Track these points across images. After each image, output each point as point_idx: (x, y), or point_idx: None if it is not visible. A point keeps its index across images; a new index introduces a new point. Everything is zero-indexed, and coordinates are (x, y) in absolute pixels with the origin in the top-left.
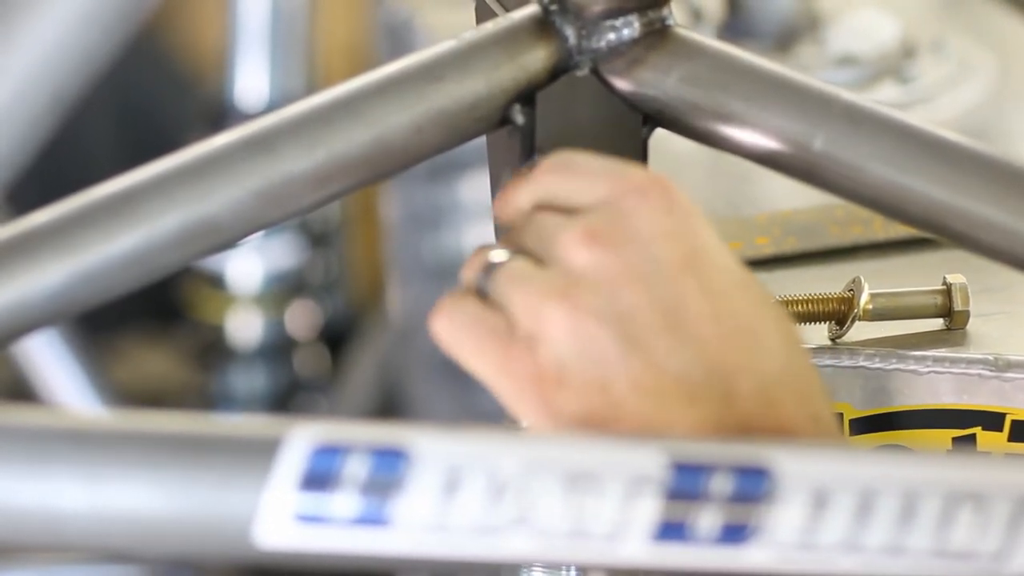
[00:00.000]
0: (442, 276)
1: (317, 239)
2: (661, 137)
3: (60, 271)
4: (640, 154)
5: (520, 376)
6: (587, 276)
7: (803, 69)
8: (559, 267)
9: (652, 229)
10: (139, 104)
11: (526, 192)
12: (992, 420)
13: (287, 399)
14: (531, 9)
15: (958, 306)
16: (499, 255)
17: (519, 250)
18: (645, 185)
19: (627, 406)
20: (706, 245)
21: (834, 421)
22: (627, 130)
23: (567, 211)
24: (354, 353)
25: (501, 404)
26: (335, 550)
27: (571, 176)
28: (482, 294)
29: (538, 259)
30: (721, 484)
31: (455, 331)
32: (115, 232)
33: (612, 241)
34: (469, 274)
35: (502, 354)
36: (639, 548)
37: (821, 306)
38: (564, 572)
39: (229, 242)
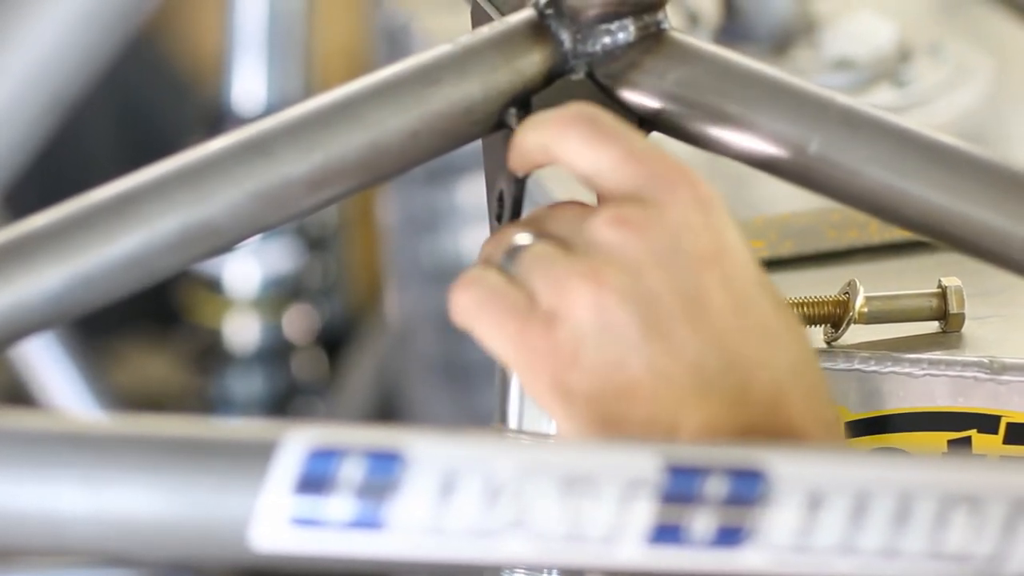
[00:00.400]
0: (440, 280)
1: (315, 243)
2: (657, 141)
3: (58, 274)
4: None
5: (535, 352)
6: (613, 257)
7: (799, 73)
8: (586, 248)
9: (680, 221)
10: (138, 107)
11: (548, 136)
12: (987, 423)
13: (285, 403)
14: (527, 13)
15: (953, 309)
16: (524, 238)
17: (543, 235)
18: (675, 176)
19: (640, 390)
20: (730, 242)
21: (840, 425)
22: None
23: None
24: (352, 357)
25: (494, 403)
26: (330, 553)
27: (597, 143)
28: (504, 273)
29: (563, 245)
30: (716, 487)
31: (474, 305)
32: (113, 235)
33: (640, 227)
34: (492, 252)
35: (519, 329)
36: (634, 551)
37: (817, 309)
38: (545, 574)
39: (227, 245)
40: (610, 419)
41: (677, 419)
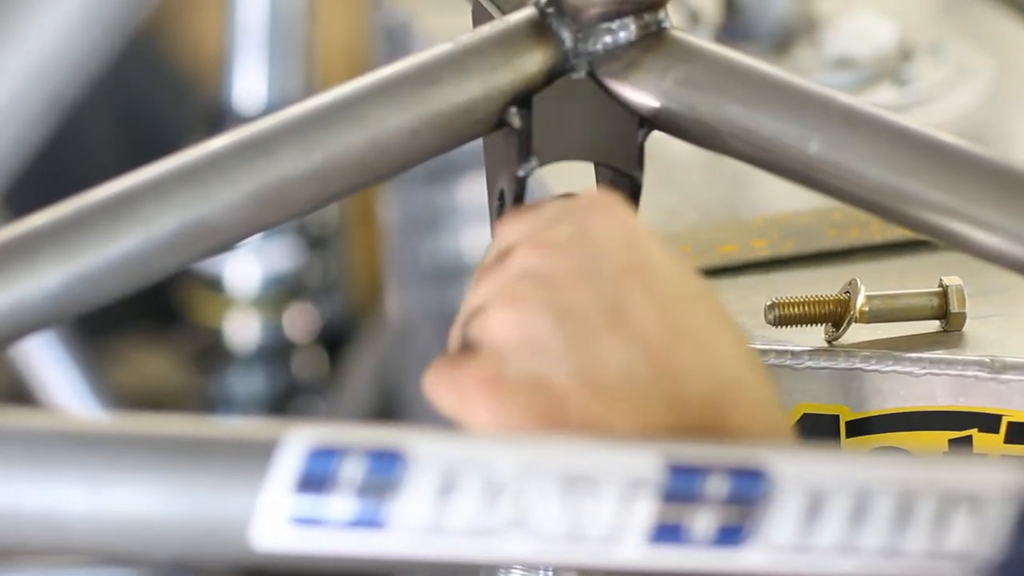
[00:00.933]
0: (440, 279)
1: (315, 242)
2: (658, 140)
3: (59, 273)
4: (636, 157)
5: (462, 383)
6: (532, 276)
7: (800, 72)
8: (511, 275)
9: (600, 239)
10: (138, 107)
11: (494, 254)
12: (988, 422)
13: (285, 402)
14: (527, 12)
15: (954, 308)
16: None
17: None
18: (595, 200)
19: (570, 403)
20: (653, 257)
21: (788, 432)
22: (623, 133)
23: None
24: (352, 356)
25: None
26: (331, 552)
27: (525, 217)
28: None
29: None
30: (717, 486)
31: (432, 388)
32: (114, 234)
33: (560, 246)
34: (455, 333)
35: (451, 373)
36: (635, 550)
37: (818, 308)
38: (542, 572)
39: (227, 244)
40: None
41: (612, 427)
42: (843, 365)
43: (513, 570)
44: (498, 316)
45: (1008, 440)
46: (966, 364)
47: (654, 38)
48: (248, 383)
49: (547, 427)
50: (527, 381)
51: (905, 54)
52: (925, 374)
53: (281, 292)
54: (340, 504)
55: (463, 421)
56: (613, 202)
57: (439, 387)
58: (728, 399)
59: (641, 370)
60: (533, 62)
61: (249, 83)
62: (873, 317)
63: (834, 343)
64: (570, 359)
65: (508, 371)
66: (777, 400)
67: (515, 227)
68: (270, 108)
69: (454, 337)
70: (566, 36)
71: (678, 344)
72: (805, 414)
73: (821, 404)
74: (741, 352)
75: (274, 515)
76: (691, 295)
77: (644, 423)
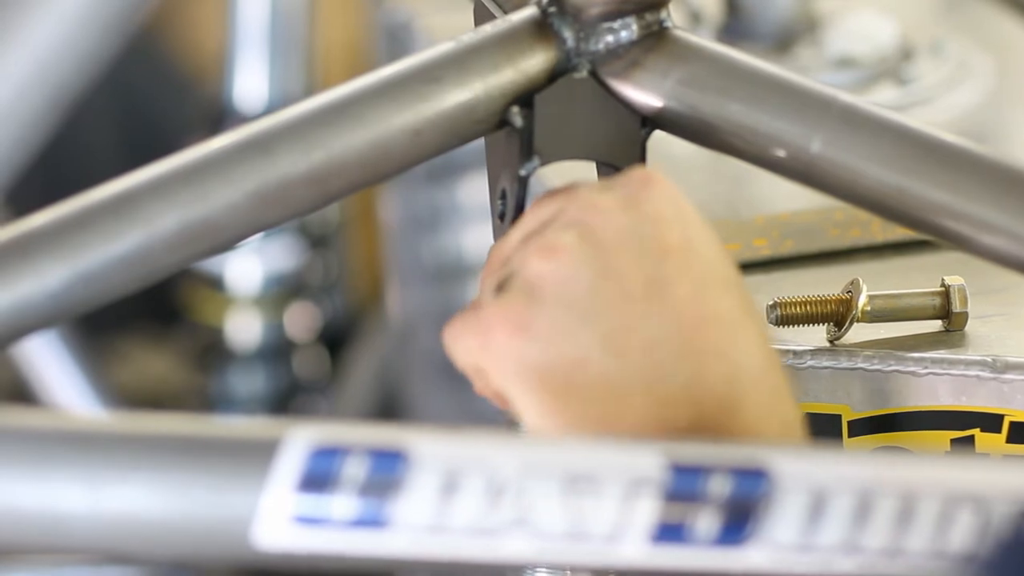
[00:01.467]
0: (441, 278)
1: (316, 241)
2: (659, 139)
3: (60, 273)
4: (638, 156)
5: (486, 323)
6: (579, 230)
7: (801, 71)
8: (557, 226)
9: (650, 211)
10: (139, 106)
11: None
12: (990, 422)
13: (287, 401)
14: (529, 11)
15: (956, 308)
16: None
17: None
18: (650, 176)
19: (591, 363)
20: (699, 238)
21: (800, 427)
22: (625, 132)
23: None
24: (353, 355)
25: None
26: (334, 551)
27: (568, 188)
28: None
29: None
30: (719, 485)
31: (453, 336)
32: (115, 234)
33: (610, 209)
34: (487, 282)
35: (474, 314)
36: (637, 549)
37: (820, 308)
38: (570, 572)
39: (228, 244)
40: (564, 394)
41: (627, 396)
42: (845, 365)
43: (538, 570)
44: (536, 262)
45: (1010, 440)
46: (968, 364)
47: (656, 37)
48: (249, 382)
49: (563, 381)
50: (553, 331)
51: (906, 53)
52: (927, 374)
53: (282, 291)
54: (342, 503)
55: (481, 372)
56: (664, 178)
57: (461, 332)
58: (744, 388)
59: (668, 346)
60: (535, 61)
61: (250, 82)
62: (875, 317)
63: (836, 343)
64: (601, 320)
65: (536, 317)
66: (791, 396)
67: (559, 195)
68: (271, 107)
69: (482, 285)
70: (568, 35)
71: (706, 327)
72: (807, 414)
73: (823, 404)
74: (762, 344)
75: (276, 514)
76: (726, 281)
77: (659, 398)
